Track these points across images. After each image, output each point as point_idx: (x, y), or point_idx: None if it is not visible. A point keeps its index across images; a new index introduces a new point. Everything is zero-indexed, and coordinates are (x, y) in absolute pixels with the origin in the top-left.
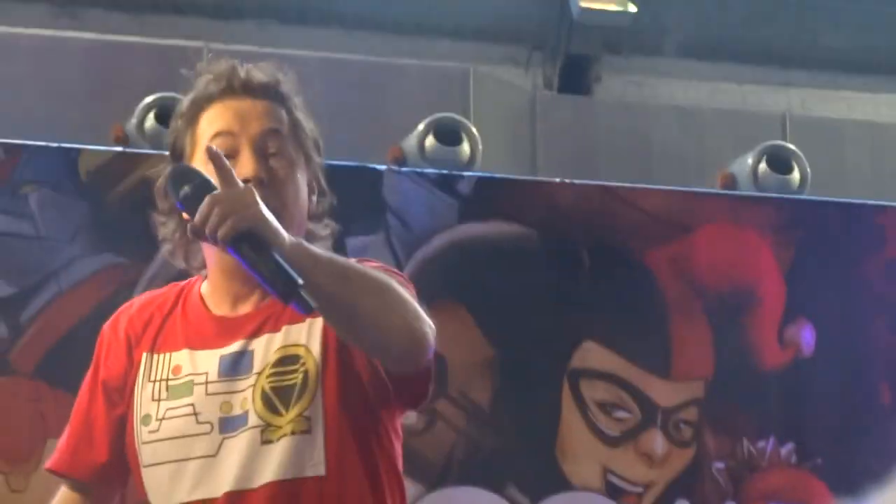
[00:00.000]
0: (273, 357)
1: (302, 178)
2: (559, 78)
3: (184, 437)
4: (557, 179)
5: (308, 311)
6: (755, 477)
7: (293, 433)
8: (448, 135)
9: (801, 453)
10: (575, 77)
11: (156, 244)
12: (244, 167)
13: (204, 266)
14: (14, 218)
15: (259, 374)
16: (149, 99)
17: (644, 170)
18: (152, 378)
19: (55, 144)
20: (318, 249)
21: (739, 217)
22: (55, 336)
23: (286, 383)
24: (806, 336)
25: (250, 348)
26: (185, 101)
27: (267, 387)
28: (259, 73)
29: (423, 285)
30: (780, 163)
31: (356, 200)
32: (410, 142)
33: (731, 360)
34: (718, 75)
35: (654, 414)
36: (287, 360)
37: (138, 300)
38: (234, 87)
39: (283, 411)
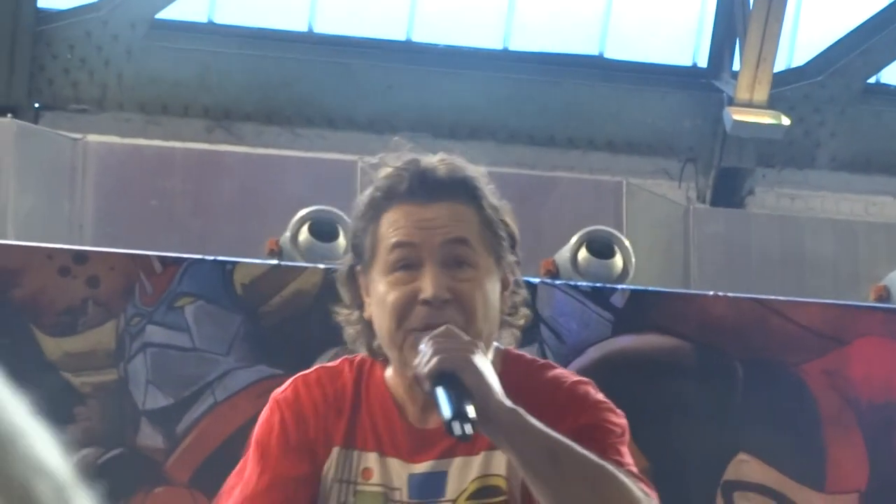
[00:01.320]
0: (470, 486)
1: (492, 283)
2: (712, 191)
3: None
4: (711, 293)
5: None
6: None
7: None
8: (601, 247)
9: None
10: (728, 190)
11: (310, 355)
12: (425, 287)
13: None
14: (171, 330)
15: (453, 502)
16: (303, 212)
17: (797, 283)
18: (342, 478)
19: (211, 258)
20: (535, 422)
21: (894, 330)
22: (210, 446)
23: None
24: None
25: (443, 469)
26: (365, 195)
27: None
28: (444, 169)
29: None
30: None
31: None
32: (564, 254)
33: (885, 473)
34: (872, 188)
35: None
36: (487, 492)
37: (314, 377)
38: (415, 190)
39: None
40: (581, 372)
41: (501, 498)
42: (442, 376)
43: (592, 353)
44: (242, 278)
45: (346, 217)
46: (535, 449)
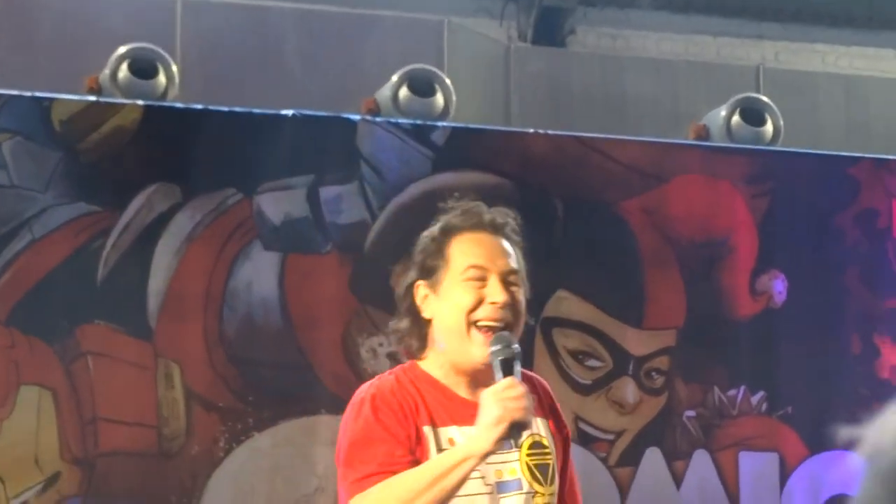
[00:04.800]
0: (526, 441)
1: (524, 297)
2: (533, 29)
3: (473, 495)
4: (531, 130)
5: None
6: (725, 425)
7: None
8: (422, 86)
9: (772, 402)
10: (549, 29)
11: (129, 193)
12: (497, 294)
13: (422, 351)
14: None
15: (519, 450)
16: (122, 49)
17: (618, 121)
18: (441, 448)
19: (29, 94)
20: None
21: (712, 168)
22: (28, 284)
23: (543, 462)
24: (777, 286)
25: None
26: (436, 226)
27: (531, 462)
28: (499, 214)
29: (397, 233)
30: (753, 115)
31: (330, 151)
32: (385, 93)
33: (702, 310)
34: (693, 28)
35: (626, 363)
36: (538, 445)
37: (388, 384)
38: (483, 223)
39: (545, 483)
40: (401, 208)
41: (547, 450)
42: (517, 425)
43: (412, 190)
44: (60, 115)
45: (165, 54)
46: None
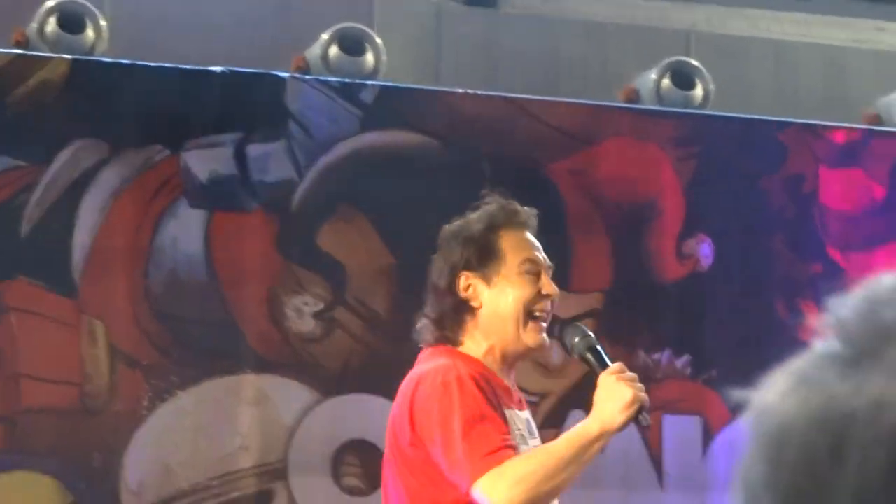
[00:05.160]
0: (535, 428)
1: None
2: None
3: None
4: (460, 90)
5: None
6: (650, 388)
7: None
8: (352, 44)
9: (697, 366)
10: None
11: (54, 147)
12: (551, 288)
13: (459, 337)
14: None
15: (538, 437)
16: (50, 2)
17: (548, 83)
18: (517, 428)
19: None
20: None
21: (641, 131)
22: None
23: None
24: (704, 250)
25: (528, 415)
26: (479, 222)
27: None
28: (531, 213)
29: (325, 192)
30: (683, 78)
31: (259, 108)
32: (314, 51)
33: (629, 273)
34: None
35: (552, 325)
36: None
37: (462, 369)
38: (523, 220)
39: None
40: (329, 167)
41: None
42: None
43: (341, 149)
44: None
45: (93, 8)
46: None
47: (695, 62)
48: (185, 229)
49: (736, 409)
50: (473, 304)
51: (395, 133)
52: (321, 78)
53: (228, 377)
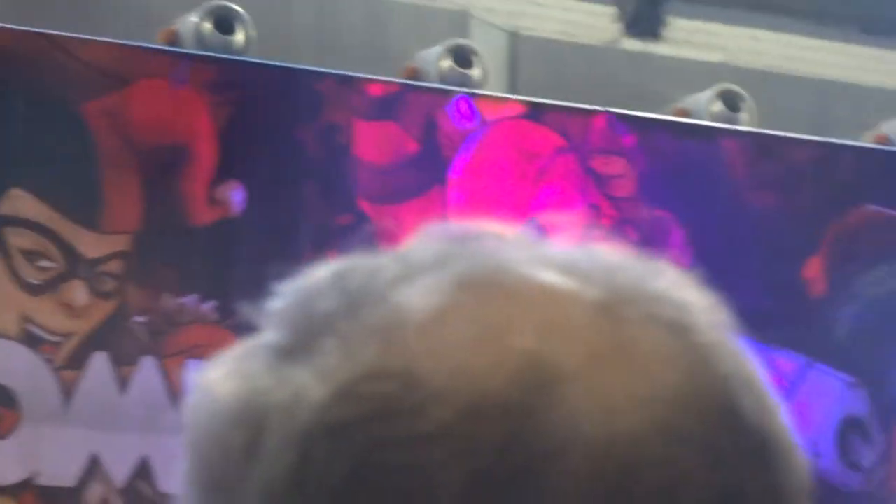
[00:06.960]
0: None
1: None
2: None
3: None
4: None
5: None
6: (175, 332)
7: None
8: None
9: (223, 310)
10: None
11: None
12: None
13: None
14: None
15: None
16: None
17: (84, 20)
18: None
19: None
20: None
21: (179, 75)
22: None
23: None
24: (236, 196)
25: None
26: None
27: None
28: None
29: None
30: (224, 23)
31: None
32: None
33: (160, 216)
34: None
35: (78, 265)
36: None
37: None
38: None
39: None
40: None
41: None
42: None
43: None
44: None
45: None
46: None
47: (237, 7)
48: None
49: None
50: None
51: None
52: None
53: None
